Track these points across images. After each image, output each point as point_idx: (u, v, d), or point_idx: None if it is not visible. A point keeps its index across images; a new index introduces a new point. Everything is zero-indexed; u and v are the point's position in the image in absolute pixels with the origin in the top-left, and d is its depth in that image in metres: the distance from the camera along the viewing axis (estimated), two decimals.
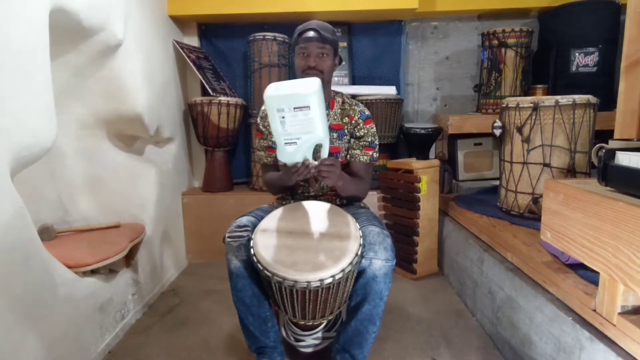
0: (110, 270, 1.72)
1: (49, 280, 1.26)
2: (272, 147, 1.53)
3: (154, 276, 2.07)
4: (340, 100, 1.53)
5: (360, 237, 1.19)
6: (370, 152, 1.49)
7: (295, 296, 1.12)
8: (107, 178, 1.93)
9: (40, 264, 1.22)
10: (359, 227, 1.23)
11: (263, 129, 1.54)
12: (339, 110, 1.51)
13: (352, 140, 1.50)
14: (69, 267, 1.39)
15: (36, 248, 1.20)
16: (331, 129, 1.48)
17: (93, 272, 1.59)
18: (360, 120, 1.49)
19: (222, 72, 2.74)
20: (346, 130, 1.50)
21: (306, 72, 1.39)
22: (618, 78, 1.21)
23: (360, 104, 1.54)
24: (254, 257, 1.14)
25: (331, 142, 1.45)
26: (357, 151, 1.49)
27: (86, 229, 1.78)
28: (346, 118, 1.50)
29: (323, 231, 1.22)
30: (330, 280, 1.07)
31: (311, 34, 1.38)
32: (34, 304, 1.19)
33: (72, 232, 1.74)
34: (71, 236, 1.70)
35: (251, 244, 1.19)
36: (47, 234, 1.61)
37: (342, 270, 1.09)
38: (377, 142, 1.51)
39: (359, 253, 1.14)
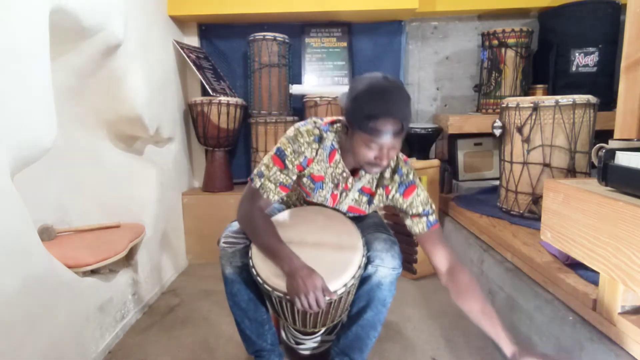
0: (110, 270, 1.72)
1: (49, 280, 1.26)
2: (287, 186, 1.19)
3: (153, 276, 2.07)
4: None
5: (364, 246, 1.15)
6: (424, 219, 1.23)
7: (296, 309, 1.09)
8: (107, 178, 1.93)
9: (40, 264, 1.22)
10: (361, 236, 1.19)
11: (289, 164, 1.17)
12: (374, 177, 1.25)
13: (401, 212, 1.28)
14: (69, 267, 1.39)
15: (36, 248, 1.20)
16: (362, 191, 1.25)
17: (93, 272, 1.59)
18: (398, 195, 1.23)
19: (222, 72, 2.73)
20: (377, 201, 1.27)
21: (371, 164, 1.10)
22: (618, 78, 1.21)
23: (402, 169, 1.23)
24: (253, 269, 1.12)
25: (357, 203, 1.27)
26: (409, 221, 1.25)
27: (86, 229, 1.77)
28: (381, 189, 1.25)
29: (324, 242, 1.16)
30: None
31: (394, 129, 1.04)
32: (34, 304, 1.19)
33: (72, 232, 1.74)
34: (71, 236, 1.70)
35: (250, 254, 1.15)
36: (47, 234, 1.61)
37: (345, 285, 1.07)
38: (429, 207, 1.24)
39: (362, 265, 1.12)
